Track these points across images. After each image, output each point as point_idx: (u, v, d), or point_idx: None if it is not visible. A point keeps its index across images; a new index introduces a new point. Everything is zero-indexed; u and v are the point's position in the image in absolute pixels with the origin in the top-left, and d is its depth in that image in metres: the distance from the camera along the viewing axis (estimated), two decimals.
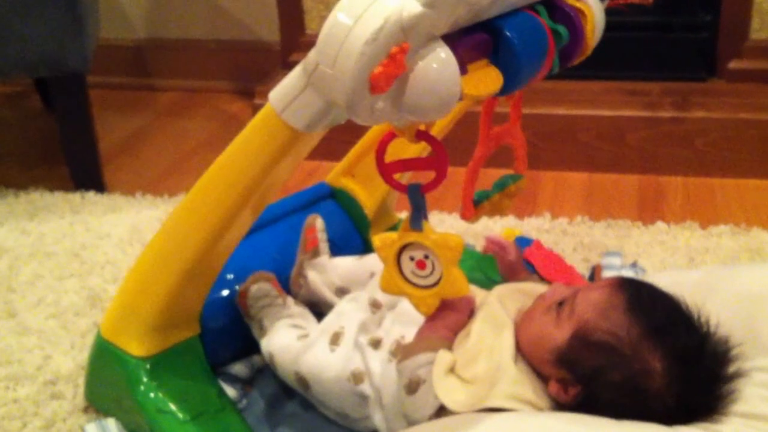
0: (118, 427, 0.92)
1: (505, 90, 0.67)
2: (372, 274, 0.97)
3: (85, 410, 0.99)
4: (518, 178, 0.92)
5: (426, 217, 0.72)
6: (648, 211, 1.43)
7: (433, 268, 0.73)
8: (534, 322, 0.80)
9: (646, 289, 0.78)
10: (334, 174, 1.18)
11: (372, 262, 1.00)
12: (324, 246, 1.06)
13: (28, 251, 1.36)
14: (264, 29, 2.07)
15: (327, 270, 1.03)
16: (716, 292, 0.85)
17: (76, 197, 1.55)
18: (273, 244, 1.08)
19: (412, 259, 0.73)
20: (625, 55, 1.60)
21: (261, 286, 0.99)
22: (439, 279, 0.73)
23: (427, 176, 0.69)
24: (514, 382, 0.74)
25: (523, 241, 1.16)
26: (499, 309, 0.83)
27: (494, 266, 1.00)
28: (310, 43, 0.61)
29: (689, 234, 1.32)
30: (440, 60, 0.59)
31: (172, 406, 0.87)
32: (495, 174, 0.91)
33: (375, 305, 0.92)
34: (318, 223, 1.07)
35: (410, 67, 0.59)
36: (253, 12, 2.07)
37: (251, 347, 0.99)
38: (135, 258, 0.94)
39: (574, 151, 1.59)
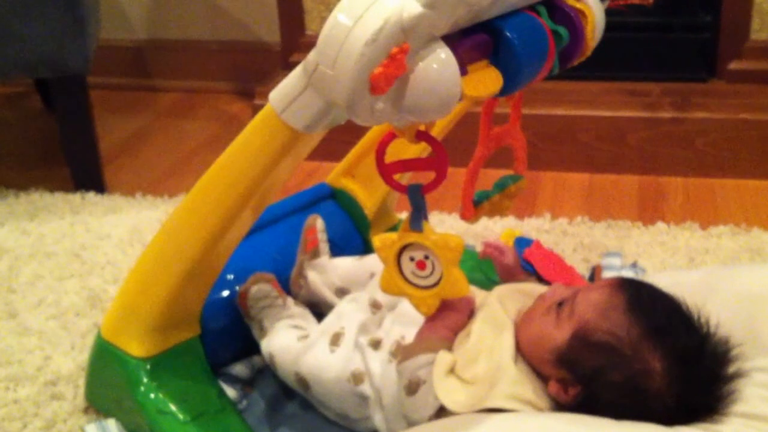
0: (119, 427, 0.92)
1: (505, 91, 0.67)
2: (372, 275, 0.97)
3: (86, 411, 0.99)
4: (518, 179, 0.92)
5: (426, 218, 0.71)
6: (648, 212, 1.43)
7: (434, 269, 0.73)
8: (534, 323, 0.80)
9: (646, 290, 0.78)
10: (334, 174, 1.18)
11: (372, 262, 1.00)
12: (324, 246, 1.06)
13: (29, 252, 1.36)
14: (264, 30, 2.07)
15: (327, 270, 1.03)
16: (716, 292, 0.85)
17: (76, 198, 1.55)
18: (273, 244, 1.08)
19: (412, 259, 0.73)
20: (625, 55, 1.61)
21: (261, 287, 0.98)
22: (440, 279, 0.73)
23: (427, 177, 0.69)
24: (514, 382, 0.74)
25: (523, 242, 1.16)
26: (499, 309, 0.83)
27: (494, 267, 1.00)
28: (311, 44, 0.61)
29: (689, 234, 1.32)
30: (440, 61, 0.59)
31: (173, 407, 0.87)
32: (495, 174, 0.91)
33: (375, 306, 0.92)
34: (318, 223, 1.07)
35: (410, 68, 0.59)
36: (253, 12, 2.07)
37: (251, 348, 0.99)
38: (135, 259, 0.94)
39: (574, 151, 1.59)
